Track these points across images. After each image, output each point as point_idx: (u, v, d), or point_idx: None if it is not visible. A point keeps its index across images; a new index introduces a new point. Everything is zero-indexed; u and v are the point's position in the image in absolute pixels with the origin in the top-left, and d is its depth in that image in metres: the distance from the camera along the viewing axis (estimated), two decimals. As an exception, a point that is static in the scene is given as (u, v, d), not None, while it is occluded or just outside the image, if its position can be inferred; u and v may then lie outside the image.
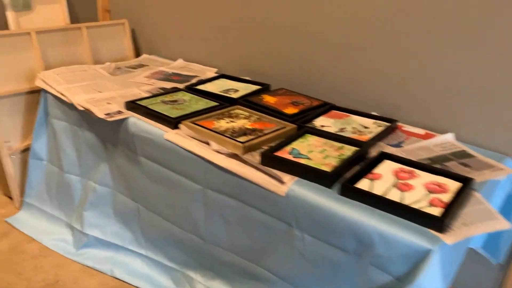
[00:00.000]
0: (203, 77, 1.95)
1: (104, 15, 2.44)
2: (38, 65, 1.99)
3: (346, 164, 1.19)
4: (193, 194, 1.38)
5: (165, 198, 1.48)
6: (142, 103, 1.56)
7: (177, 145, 1.36)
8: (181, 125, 1.42)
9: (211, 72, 2.03)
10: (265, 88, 1.80)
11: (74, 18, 2.34)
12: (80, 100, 1.62)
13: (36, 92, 1.99)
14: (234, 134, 1.35)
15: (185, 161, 1.36)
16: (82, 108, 1.58)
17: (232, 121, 1.45)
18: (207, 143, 1.33)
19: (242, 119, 1.47)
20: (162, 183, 1.47)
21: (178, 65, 2.13)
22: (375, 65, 1.57)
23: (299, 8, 1.71)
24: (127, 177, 1.60)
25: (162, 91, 1.77)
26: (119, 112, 1.54)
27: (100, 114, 1.51)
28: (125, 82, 1.86)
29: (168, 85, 1.84)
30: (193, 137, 1.37)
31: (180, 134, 1.39)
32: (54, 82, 1.78)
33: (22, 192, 1.94)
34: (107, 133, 1.62)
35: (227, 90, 1.76)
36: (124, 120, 1.51)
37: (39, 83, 1.82)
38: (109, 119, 1.48)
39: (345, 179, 1.13)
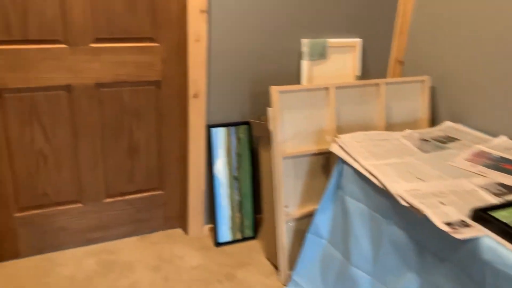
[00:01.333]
0: (552, 171, 1.39)
1: (395, 67, 2.11)
2: (329, 124, 1.75)
3: None
4: None
5: None
6: (499, 216, 1.10)
7: None
8: None
9: (560, 165, 1.44)
10: None
11: (363, 68, 2.07)
12: (400, 190, 1.26)
13: (322, 155, 1.76)
14: None
15: None
16: (406, 204, 1.21)
17: None
18: None
19: None
20: None
21: (502, 145, 1.60)
22: None
23: None
24: (452, 309, 1.16)
25: (504, 190, 1.28)
26: (464, 224, 1.11)
27: (440, 224, 1.10)
28: (443, 165, 1.44)
29: (506, 179, 1.34)
30: None
31: None
32: (357, 153, 1.48)
33: (291, 266, 1.71)
34: (430, 240, 1.21)
35: None
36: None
37: (336, 150, 1.55)
38: (456, 236, 1.07)
39: None
